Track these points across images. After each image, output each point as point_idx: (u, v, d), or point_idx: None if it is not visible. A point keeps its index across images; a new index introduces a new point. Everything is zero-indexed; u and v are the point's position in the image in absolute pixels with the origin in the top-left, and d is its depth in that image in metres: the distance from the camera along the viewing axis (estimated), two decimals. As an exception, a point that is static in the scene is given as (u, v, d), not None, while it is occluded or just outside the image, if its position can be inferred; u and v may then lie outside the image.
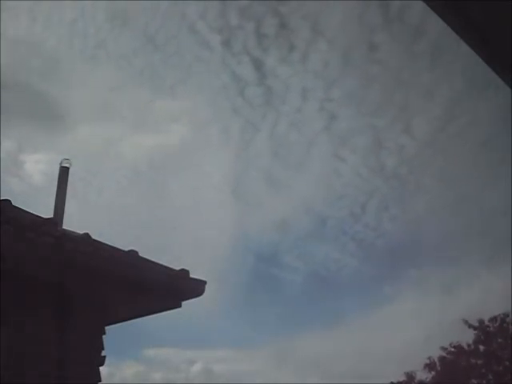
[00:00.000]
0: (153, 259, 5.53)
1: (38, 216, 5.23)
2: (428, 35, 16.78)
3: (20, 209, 5.25)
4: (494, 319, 20.13)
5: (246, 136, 22.09)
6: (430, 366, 20.76)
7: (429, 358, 20.66)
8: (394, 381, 20.91)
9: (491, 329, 20.14)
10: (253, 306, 25.96)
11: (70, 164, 8.74)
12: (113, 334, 5.90)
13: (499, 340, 20.13)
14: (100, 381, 5.32)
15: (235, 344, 24.99)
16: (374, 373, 21.21)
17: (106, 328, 5.59)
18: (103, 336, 5.49)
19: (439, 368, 20.63)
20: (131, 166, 22.16)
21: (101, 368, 5.39)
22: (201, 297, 5.94)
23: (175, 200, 23.42)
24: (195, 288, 5.86)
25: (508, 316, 19.94)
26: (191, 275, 5.80)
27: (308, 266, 25.84)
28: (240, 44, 18.34)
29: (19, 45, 17.44)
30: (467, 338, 20.28)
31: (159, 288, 5.57)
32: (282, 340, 24.48)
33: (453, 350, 20.60)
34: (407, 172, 23.01)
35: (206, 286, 5.87)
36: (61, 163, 8.61)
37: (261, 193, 23.92)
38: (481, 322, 20.17)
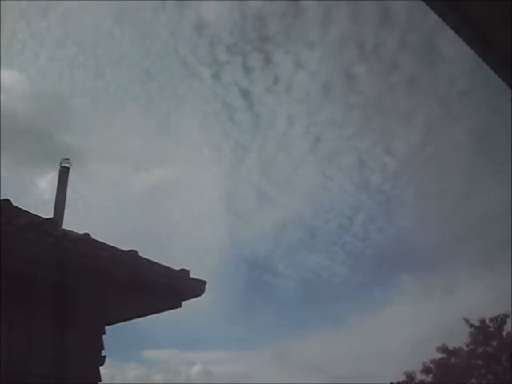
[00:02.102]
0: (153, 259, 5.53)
1: (38, 216, 5.23)
2: (402, 68, 18.74)
3: (20, 209, 5.25)
4: (493, 320, 20.14)
5: (237, 156, 23.82)
6: (427, 369, 20.78)
7: (424, 364, 20.70)
8: (389, 381, 21.00)
9: (491, 329, 20.15)
10: (249, 311, 27.56)
11: (70, 164, 8.76)
12: (113, 335, 5.92)
13: (496, 341, 20.14)
14: (100, 381, 5.32)
15: (234, 346, 25.60)
16: (366, 374, 21.61)
17: (106, 328, 5.59)
18: (103, 336, 5.48)
19: (435, 370, 20.62)
20: (135, 191, 23.80)
21: (101, 368, 5.39)
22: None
23: (172, 215, 25.16)
24: (195, 288, 5.85)
25: (508, 317, 19.94)
26: (191, 275, 5.80)
27: (301, 274, 27.56)
28: (229, 76, 20.18)
29: (37, 97, 19.20)
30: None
31: (159, 288, 5.57)
32: (278, 343, 25.77)
33: (448, 350, 20.63)
34: (391, 188, 24.70)
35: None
36: (61, 163, 8.62)
37: (253, 207, 25.65)
38: (482, 321, 20.22)
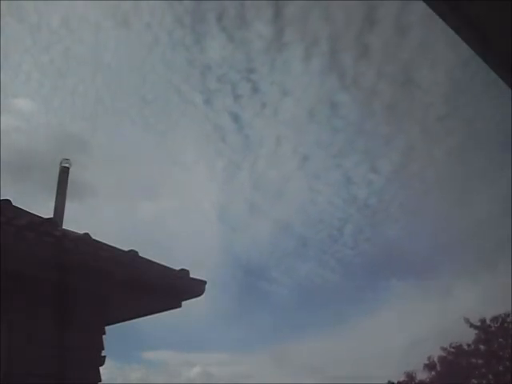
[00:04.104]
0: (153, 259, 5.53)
1: (38, 216, 5.23)
2: (381, 96, 20.87)
3: (20, 209, 5.25)
4: (494, 319, 20.22)
5: (229, 173, 25.41)
6: (429, 367, 20.87)
7: (428, 359, 20.87)
8: (386, 382, 21.17)
9: (493, 329, 20.24)
10: (247, 315, 28.32)
11: (70, 164, 8.76)
12: (113, 336, 5.92)
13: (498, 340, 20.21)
14: (100, 381, 5.32)
15: (233, 349, 26.65)
16: (364, 375, 22.17)
17: (106, 328, 5.59)
18: (103, 336, 5.48)
19: (440, 367, 20.73)
20: (137, 209, 24.89)
21: (101, 369, 5.39)
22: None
23: (170, 229, 26.09)
24: (195, 288, 5.85)
25: (508, 316, 20.02)
26: (191, 275, 5.80)
27: (295, 280, 28.60)
28: (219, 102, 22.16)
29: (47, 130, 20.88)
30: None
31: (159, 288, 5.56)
32: (277, 345, 26.40)
33: (455, 348, 20.71)
34: (377, 202, 26.30)
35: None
36: (61, 163, 8.62)
37: (247, 219, 27.14)
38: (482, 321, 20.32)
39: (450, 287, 25.31)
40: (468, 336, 20.79)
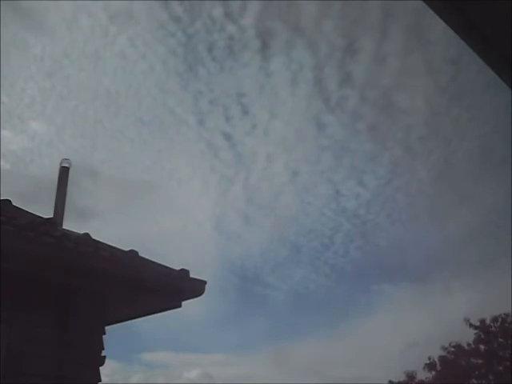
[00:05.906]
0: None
1: (38, 216, 5.24)
2: (364, 118, 22.61)
3: (20, 209, 5.26)
4: (494, 319, 20.25)
5: (223, 187, 26.64)
6: (429, 366, 20.90)
7: (429, 359, 20.94)
8: (383, 383, 21.27)
9: (493, 329, 20.26)
10: (245, 319, 29.45)
11: (70, 164, 8.75)
12: (113, 337, 5.93)
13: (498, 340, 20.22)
14: (100, 381, 5.32)
15: (232, 350, 27.27)
16: (361, 376, 22.64)
17: (106, 328, 5.59)
18: (103, 336, 5.48)
19: (440, 366, 20.77)
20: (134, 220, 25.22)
21: (101, 368, 5.39)
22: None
23: (166, 237, 26.56)
24: (195, 288, 5.84)
25: (508, 316, 20.04)
26: (191, 275, 5.80)
27: (290, 286, 29.67)
28: (212, 123, 23.74)
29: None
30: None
31: (159, 288, 5.56)
32: (274, 347, 26.91)
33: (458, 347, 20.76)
34: (365, 212, 27.58)
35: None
36: (61, 163, 8.62)
37: (241, 229, 28.43)
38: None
39: (447, 289, 26.25)
40: (468, 336, 20.85)
